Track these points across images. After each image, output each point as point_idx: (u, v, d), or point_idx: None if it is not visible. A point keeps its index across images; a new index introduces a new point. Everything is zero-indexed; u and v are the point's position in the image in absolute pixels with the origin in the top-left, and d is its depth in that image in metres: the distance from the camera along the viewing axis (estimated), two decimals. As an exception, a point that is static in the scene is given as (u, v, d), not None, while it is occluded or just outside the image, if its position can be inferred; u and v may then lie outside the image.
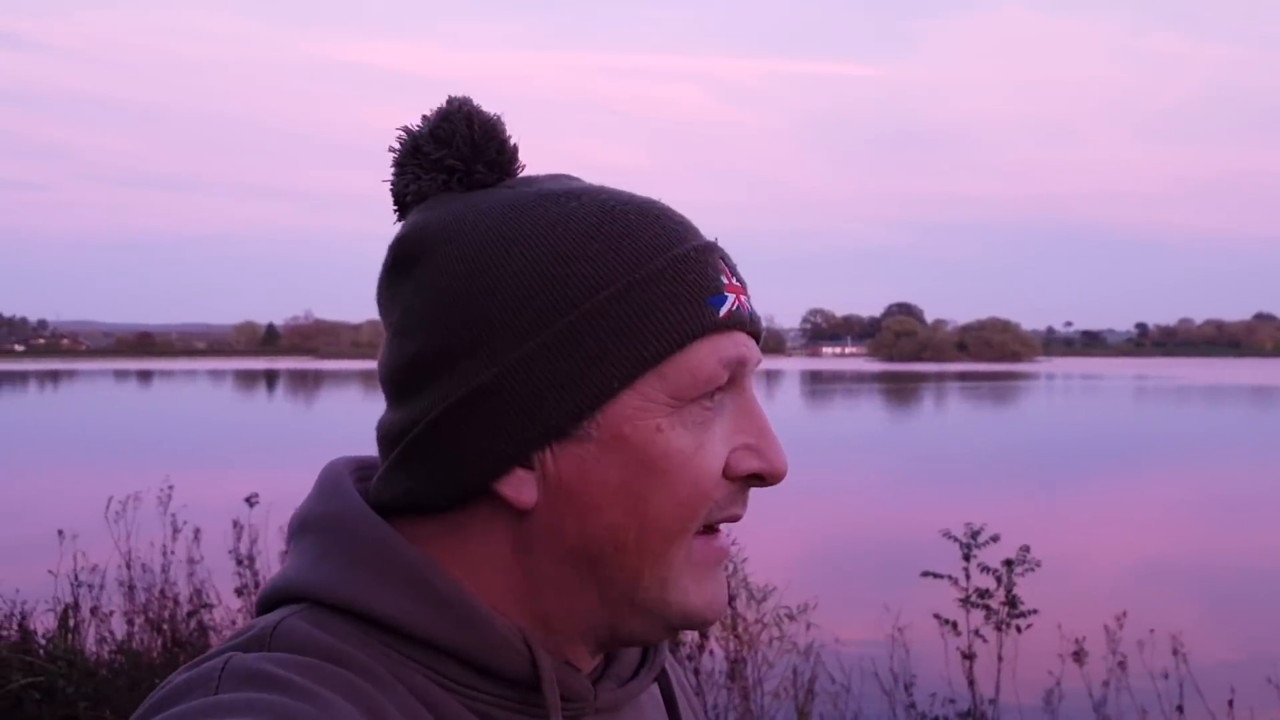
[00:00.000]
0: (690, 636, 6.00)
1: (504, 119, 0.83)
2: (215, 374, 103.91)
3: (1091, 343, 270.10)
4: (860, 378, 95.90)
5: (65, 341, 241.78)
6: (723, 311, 0.77)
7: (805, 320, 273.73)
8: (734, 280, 0.80)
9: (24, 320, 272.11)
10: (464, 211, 0.79)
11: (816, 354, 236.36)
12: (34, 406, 55.12)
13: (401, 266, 0.80)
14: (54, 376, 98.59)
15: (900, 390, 71.18)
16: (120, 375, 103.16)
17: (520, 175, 0.84)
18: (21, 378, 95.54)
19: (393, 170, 0.83)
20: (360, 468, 0.85)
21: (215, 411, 45.35)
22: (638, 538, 0.76)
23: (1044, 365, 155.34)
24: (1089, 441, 30.51)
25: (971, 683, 5.59)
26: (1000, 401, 58.57)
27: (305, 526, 0.81)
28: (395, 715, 0.70)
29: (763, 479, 0.79)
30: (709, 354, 0.76)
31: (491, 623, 0.75)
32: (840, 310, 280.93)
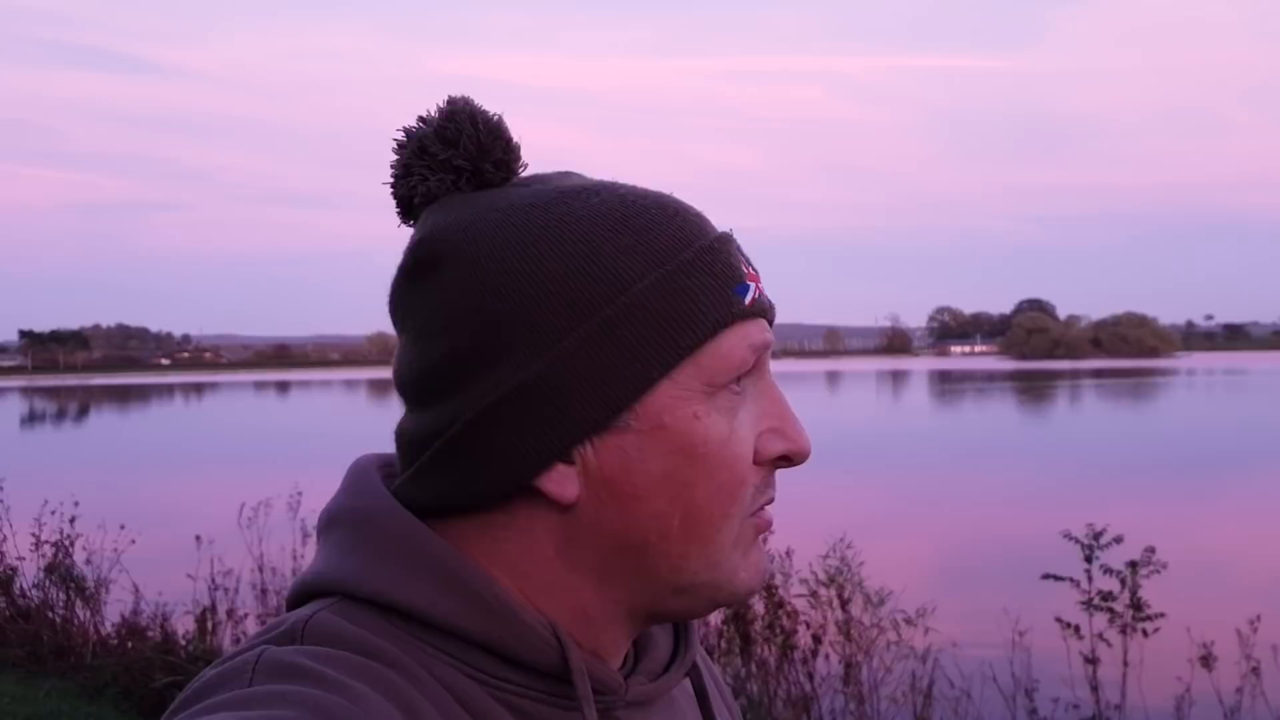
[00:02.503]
0: (804, 641, 5.97)
1: (504, 118, 0.83)
2: (349, 383, 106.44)
3: (1234, 336, 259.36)
4: (991, 377, 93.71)
5: (207, 355, 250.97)
6: (748, 299, 0.79)
7: (932, 319, 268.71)
8: (751, 269, 0.82)
9: (169, 335, 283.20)
10: (485, 211, 0.79)
11: (944, 353, 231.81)
12: (179, 418, 57.26)
13: (422, 269, 0.80)
14: (198, 389, 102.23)
15: (1033, 389, 69.32)
16: (259, 387, 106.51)
17: (524, 174, 0.84)
18: (168, 390, 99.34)
19: (395, 172, 0.83)
20: (387, 464, 0.85)
21: (347, 420, 46.48)
22: (683, 525, 0.77)
23: (1183, 361, 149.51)
24: (1229, 440, 29.32)
25: (1095, 688, 5.45)
26: (1137, 399, 56.64)
27: (334, 521, 0.82)
28: (426, 707, 0.71)
29: (790, 460, 0.81)
30: (739, 341, 0.78)
31: (520, 614, 0.76)
32: (969, 308, 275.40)
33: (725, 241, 0.80)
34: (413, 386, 0.80)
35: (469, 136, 0.81)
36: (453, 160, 0.81)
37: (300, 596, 0.79)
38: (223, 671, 0.70)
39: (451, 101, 0.83)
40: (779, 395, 0.81)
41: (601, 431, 0.76)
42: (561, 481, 0.76)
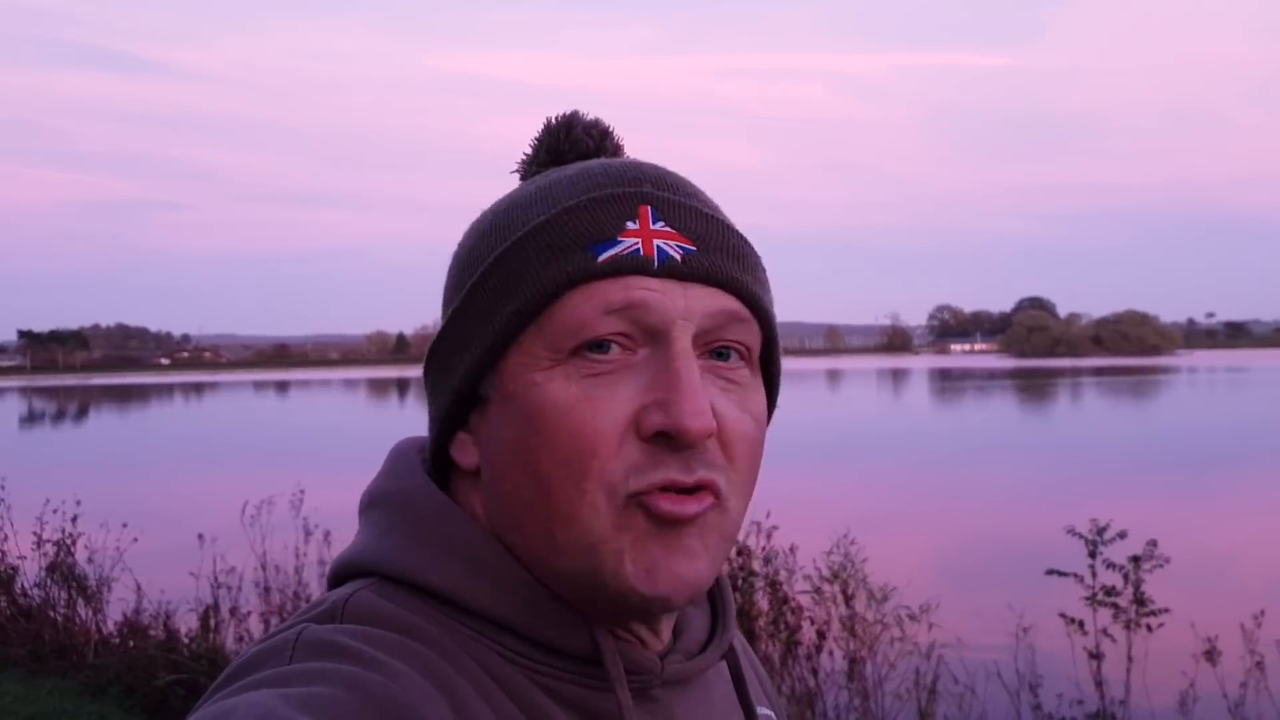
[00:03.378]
0: (808, 636, 5.97)
1: (601, 120, 0.87)
2: (349, 383, 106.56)
3: (1235, 334, 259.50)
4: (992, 375, 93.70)
5: (207, 355, 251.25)
6: (603, 256, 0.74)
7: (932, 317, 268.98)
8: (658, 226, 0.76)
9: (169, 335, 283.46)
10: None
11: (944, 351, 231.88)
12: (179, 418, 57.26)
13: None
14: (197, 389, 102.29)
15: (1033, 387, 69.30)
16: (259, 386, 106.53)
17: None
18: (168, 390, 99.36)
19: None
20: (427, 447, 0.87)
21: (347, 418, 46.50)
22: (539, 497, 0.74)
23: (1185, 358, 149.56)
24: (1231, 437, 29.31)
25: (1099, 683, 5.44)
26: (1138, 396, 56.62)
27: (374, 503, 0.84)
28: (463, 686, 0.72)
29: (670, 438, 0.73)
30: (582, 302, 0.73)
31: (550, 599, 0.77)
32: (969, 306, 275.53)
33: (611, 200, 0.76)
34: None
35: (548, 147, 0.87)
36: (532, 170, 0.88)
37: (340, 576, 0.81)
38: (264, 649, 0.72)
39: (555, 117, 0.88)
40: (677, 367, 0.73)
41: (476, 401, 0.79)
42: (462, 449, 0.80)
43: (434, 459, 0.84)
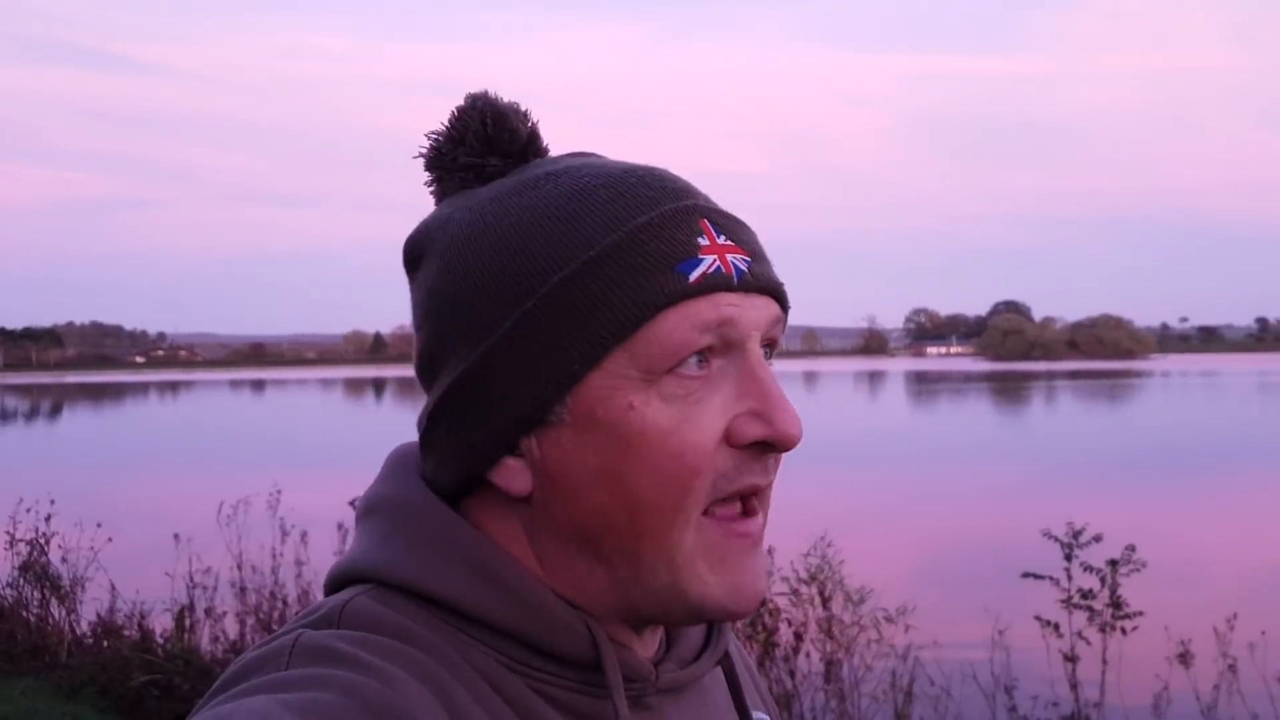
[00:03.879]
0: (785, 638, 5.98)
1: (520, 105, 0.85)
2: (325, 382, 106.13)
3: (1209, 339, 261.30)
4: (968, 378, 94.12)
5: (183, 353, 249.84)
6: (694, 276, 0.75)
7: (909, 320, 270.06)
8: (722, 240, 0.77)
9: (144, 333, 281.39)
10: (453, 209, 0.82)
11: (921, 354, 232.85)
12: (155, 417, 56.91)
13: (409, 266, 0.84)
14: (173, 387, 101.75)
15: (1009, 390, 69.66)
16: (235, 385, 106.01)
17: (538, 159, 0.85)
18: (143, 389, 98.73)
19: (426, 177, 0.86)
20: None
21: (324, 418, 46.34)
22: (629, 518, 0.75)
23: (1159, 363, 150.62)
24: (1205, 441, 29.54)
25: (1074, 686, 5.48)
26: (1112, 400, 56.97)
27: (371, 509, 0.83)
28: (461, 693, 0.72)
29: (770, 445, 0.76)
30: (679, 322, 0.74)
31: (551, 606, 0.77)
32: (945, 309, 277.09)
33: (677, 215, 0.77)
34: (418, 376, 0.84)
35: (475, 132, 0.83)
36: (459, 158, 0.83)
37: (337, 582, 0.81)
38: (260, 655, 0.72)
39: (467, 99, 0.84)
40: (763, 376, 0.76)
41: (538, 426, 0.76)
42: (510, 475, 0.77)
43: (457, 484, 0.81)
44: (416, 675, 0.70)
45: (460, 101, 0.84)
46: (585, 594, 0.78)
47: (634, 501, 0.74)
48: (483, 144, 0.83)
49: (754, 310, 0.77)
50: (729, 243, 0.77)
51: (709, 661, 0.86)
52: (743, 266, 0.77)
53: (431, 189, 0.86)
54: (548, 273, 0.75)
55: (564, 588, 0.79)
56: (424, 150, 0.85)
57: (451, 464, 0.79)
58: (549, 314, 0.75)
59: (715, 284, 0.75)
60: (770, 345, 0.81)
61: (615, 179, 0.79)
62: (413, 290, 0.83)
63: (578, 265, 0.75)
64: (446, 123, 0.84)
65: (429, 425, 0.81)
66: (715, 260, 0.76)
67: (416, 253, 0.83)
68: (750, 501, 0.78)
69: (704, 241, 0.76)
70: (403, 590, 0.77)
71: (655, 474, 0.74)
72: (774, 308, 0.79)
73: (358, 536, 0.83)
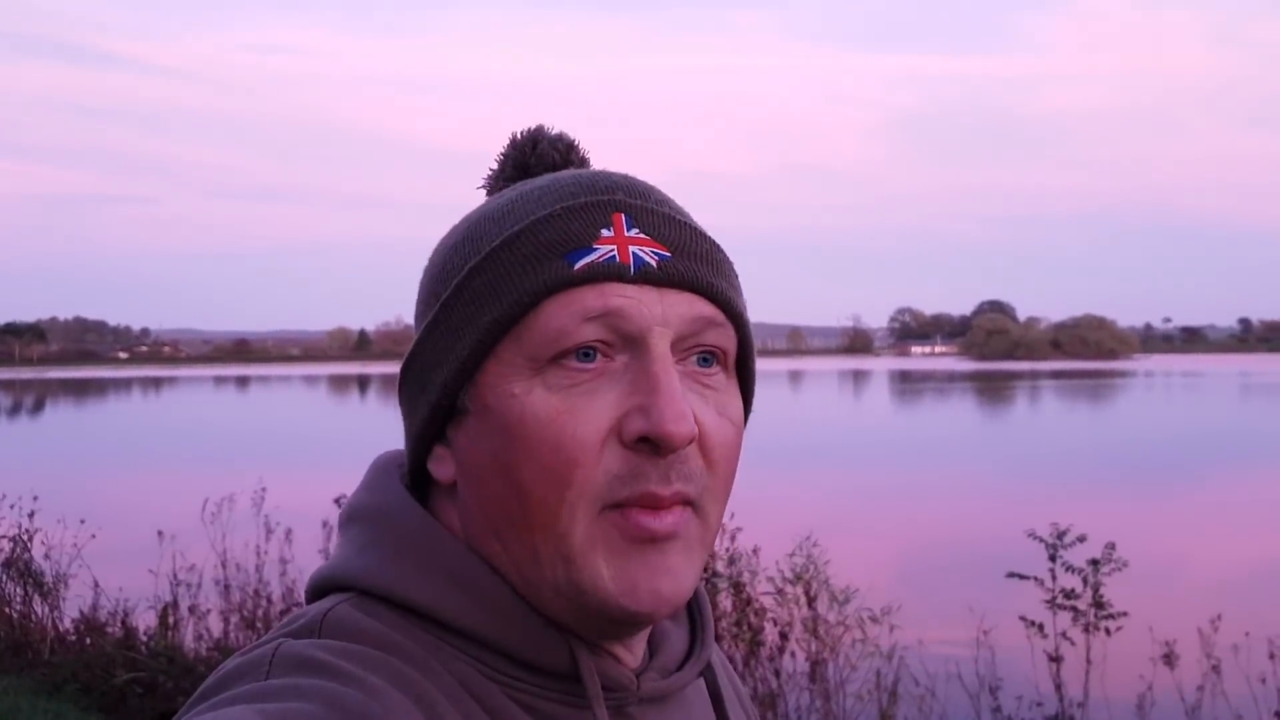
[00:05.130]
0: (771, 637, 5.99)
1: (567, 134, 0.88)
2: (309, 379, 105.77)
3: (1192, 339, 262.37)
4: (951, 377, 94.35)
5: (166, 349, 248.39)
6: (579, 264, 0.74)
7: (893, 319, 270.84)
8: (633, 233, 0.76)
9: (127, 329, 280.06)
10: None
11: (905, 353, 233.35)
12: (138, 413, 56.64)
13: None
14: (156, 383, 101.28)
15: (992, 389, 69.86)
16: (219, 381, 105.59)
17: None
18: (126, 385, 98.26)
19: None
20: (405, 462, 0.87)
21: (309, 415, 46.20)
22: (520, 509, 0.74)
23: (1142, 363, 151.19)
24: (1188, 441, 29.68)
25: (1059, 686, 5.49)
26: (1096, 400, 57.20)
27: (353, 517, 0.83)
28: (442, 702, 0.72)
29: (652, 443, 0.72)
30: (559, 310, 0.73)
31: (529, 615, 0.77)
32: (929, 309, 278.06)
33: (585, 208, 0.77)
34: None
35: (515, 162, 0.88)
36: (500, 185, 0.88)
37: (319, 590, 0.81)
38: (241, 664, 0.71)
39: (514, 134, 0.89)
40: (657, 372, 0.73)
41: (455, 414, 0.78)
42: (438, 463, 0.80)
43: (412, 475, 0.83)
44: (398, 686, 0.70)
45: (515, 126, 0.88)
46: (516, 587, 0.78)
47: (521, 491, 0.74)
48: (519, 169, 0.86)
49: (659, 305, 0.75)
50: (641, 235, 0.76)
51: (691, 672, 0.86)
52: (648, 259, 0.75)
53: None
54: (463, 262, 0.78)
55: (512, 579, 0.78)
56: (485, 180, 0.89)
57: (409, 454, 0.83)
58: (456, 303, 0.77)
59: (603, 273, 0.74)
60: (710, 352, 0.78)
61: (559, 180, 0.80)
62: None
63: (482, 256, 0.77)
64: (499, 155, 0.88)
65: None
66: (612, 250, 0.75)
67: None
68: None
69: (607, 233, 0.75)
70: (384, 599, 0.76)
71: (536, 463, 0.73)
72: (697, 305, 0.76)
73: (339, 544, 0.83)
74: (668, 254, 0.76)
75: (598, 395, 0.73)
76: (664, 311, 0.75)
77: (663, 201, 0.80)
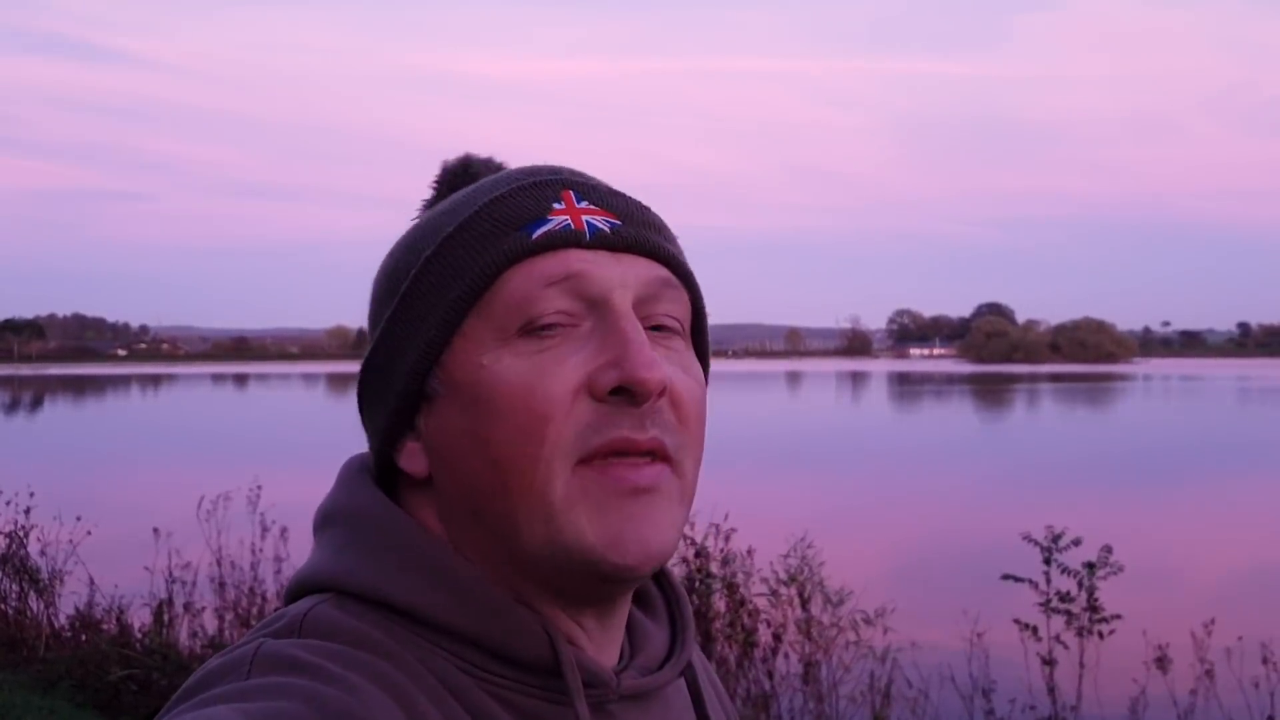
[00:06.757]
0: (764, 638, 6.00)
1: (495, 158, 0.88)
2: (308, 377, 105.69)
3: (1190, 343, 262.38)
4: (950, 379, 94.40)
5: (165, 346, 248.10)
6: (537, 234, 0.77)
7: (892, 321, 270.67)
8: (583, 205, 0.79)
9: (126, 326, 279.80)
10: None
11: (903, 355, 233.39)
12: (136, 410, 56.64)
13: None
14: (154, 380, 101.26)
15: (990, 392, 69.87)
16: (217, 379, 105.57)
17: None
18: (124, 381, 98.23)
19: None
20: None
21: (306, 413, 46.16)
22: (499, 478, 0.75)
23: (1140, 366, 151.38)
24: (1185, 445, 29.71)
25: (1052, 689, 5.50)
26: (1094, 403, 57.24)
27: (328, 519, 0.83)
28: (421, 700, 0.72)
29: (628, 391, 0.74)
30: (522, 280, 0.76)
31: (511, 610, 0.77)
32: (928, 311, 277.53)
33: (532, 188, 0.80)
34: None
35: (449, 185, 0.88)
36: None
37: (297, 592, 0.81)
38: (222, 664, 0.71)
39: (445, 163, 0.89)
40: (624, 328, 0.76)
41: (424, 401, 0.78)
42: (411, 457, 0.80)
43: (380, 475, 0.84)
44: (378, 684, 0.70)
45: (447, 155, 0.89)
46: (498, 570, 0.79)
47: (496, 458, 0.75)
48: (453, 191, 0.86)
49: (617, 267, 0.78)
50: (591, 207, 0.79)
51: (672, 671, 0.86)
52: (601, 226, 0.79)
53: None
54: (417, 256, 0.80)
55: (483, 566, 0.79)
56: (421, 207, 0.88)
57: (374, 454, 0.84)
58: (417, 290, 0.79)
59: (560, 240, 0.77)
60: (670, 321, 0.80)
61: (502, 173, 0.83)
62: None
63: (439, 242, 0.79)
64: (432, 184, 0.89)
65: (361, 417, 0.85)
66: (566, 219, 0.78)
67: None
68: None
69: (559, 206, 0.79)
70: (362, 598, 0.77)
71: (508, 426, 0.75)
72: (654, 269, 0.80)
73: (316, 547, 0.83)
74: (619, 222, 0.79)
75: (566, 356, 0.76)
76: (622, 273, 0.78)
77: (606, 184, 0.84)
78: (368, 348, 0.82)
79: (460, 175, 0.87)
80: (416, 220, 0.85)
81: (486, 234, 0.77)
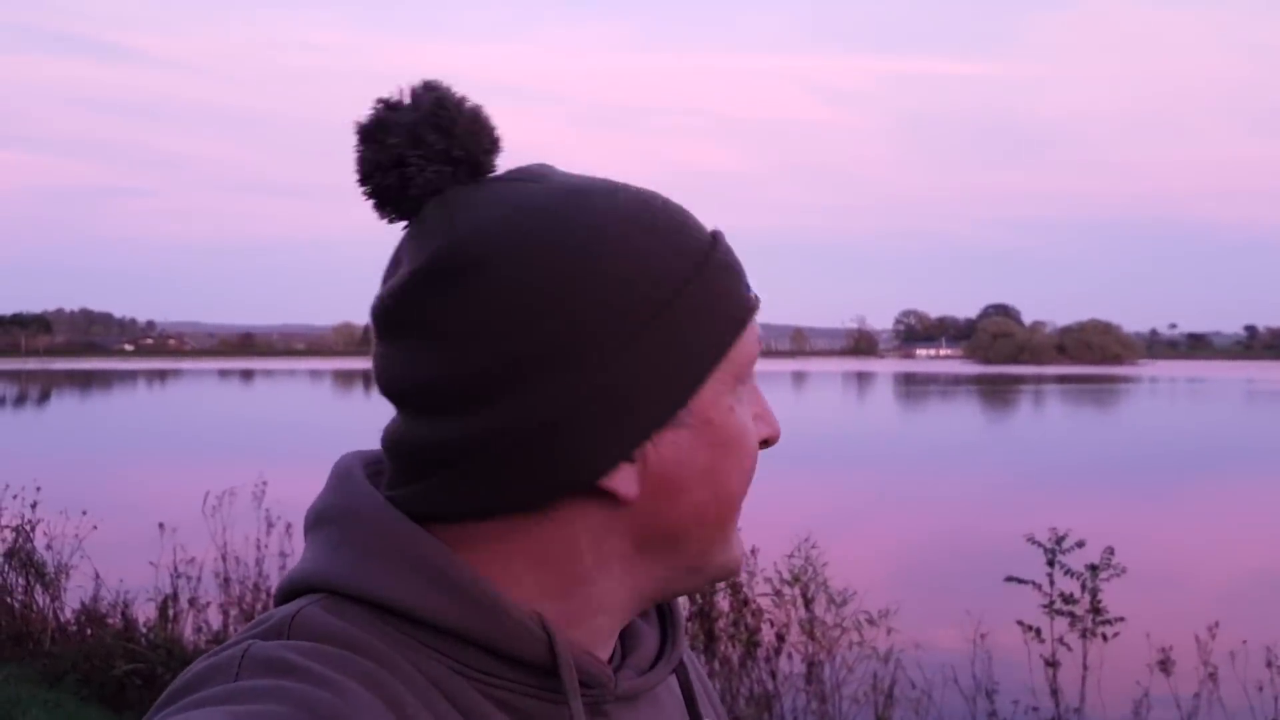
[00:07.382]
0: (768, 638, 6.00)
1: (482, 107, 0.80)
2: (314, 373, 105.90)
3: (1197, 345, 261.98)
4: (956, 380, 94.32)
5: (171, 342, 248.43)
6: (752, 292, 0.83)
7: (899, 321, 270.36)
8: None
9: (133, 321, 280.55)
10: (517, 209, 0.76)
11: (910, 356, 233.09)
12: (142, 405, 56.76)
13: (463, 271, 0.75)
14: (161, 376, 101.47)
15: (996, 393, 69.81)
16: (224, 374, 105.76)
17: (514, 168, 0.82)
18: (131, 376, 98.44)
19: (378, 162, 0.78)
20: (371, 461, 0.85)
21: (312, 409, 46.27)
22: (717, 512, 0.81)
23: (1147, 368, 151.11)
24: (1191, 448, 29.67)
25: (1055, 691, 5.50)
26: (1100, 405, 57.19)
27: (320, 519, 0.81)
28: (412, 702, 0.71)
29: (769, 443, 0.85)
30: (752, 335, 0.82)
31: (506, 608, 0.75)
32: (935, 311, 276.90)
33: (720, 236, 0.83)
34: (425, 394, 0.77)
35: (464, 127, 0.77)
36: (450, 150, 0.77)
37: (288, 593, 0.79)
38: (209, 666, 0.70)
39: (432, 86, 0.78)
40: (757, 385, 0.86)
41: (662, 429, 0.78)
42: (625, 480, 0.77)
43: (374, 478, 0.82)
44: (368, 686, 0.69)
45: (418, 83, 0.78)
46: (632, 589, 0.82)
47: (726, 495, 0.81)
48: (471, 139, 0.78)
49: None
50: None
51: (665, 669, 0.86)
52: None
53: (406, 178, 0.77)
54: (679, 283, 0.77)
55: (608, 587, 0.80)
56: (370, 130, 0.78)
57: (554, 476, 0.76)
58: (686, 322, 0.77)
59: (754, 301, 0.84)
60: None
61: (662, 199, 0.82)
62: (459, 298, 0.75)
63: (701, 276, 0.78)
64: (422, 108, 0.77)
65: (523, 438, 0.75)
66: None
67: (477, 256, 0.75)
68: None
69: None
70: (354, 599, 0.75)
71: (742, 470, 0.82)
72: None
73: (307, 547, 0.81)
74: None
75: (748, 406, 0.84)
76: None
77: None
78: (591, 357, 0.74)
79: (479, 121, 0.79)
80: (603, 220, 0.76)
81: (734, 282, 0.81)
